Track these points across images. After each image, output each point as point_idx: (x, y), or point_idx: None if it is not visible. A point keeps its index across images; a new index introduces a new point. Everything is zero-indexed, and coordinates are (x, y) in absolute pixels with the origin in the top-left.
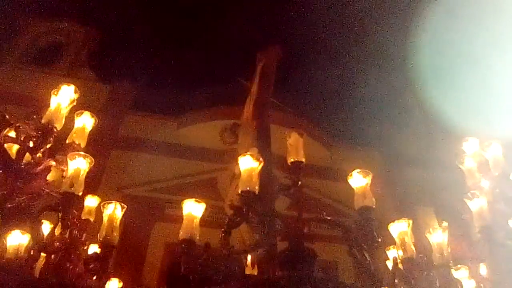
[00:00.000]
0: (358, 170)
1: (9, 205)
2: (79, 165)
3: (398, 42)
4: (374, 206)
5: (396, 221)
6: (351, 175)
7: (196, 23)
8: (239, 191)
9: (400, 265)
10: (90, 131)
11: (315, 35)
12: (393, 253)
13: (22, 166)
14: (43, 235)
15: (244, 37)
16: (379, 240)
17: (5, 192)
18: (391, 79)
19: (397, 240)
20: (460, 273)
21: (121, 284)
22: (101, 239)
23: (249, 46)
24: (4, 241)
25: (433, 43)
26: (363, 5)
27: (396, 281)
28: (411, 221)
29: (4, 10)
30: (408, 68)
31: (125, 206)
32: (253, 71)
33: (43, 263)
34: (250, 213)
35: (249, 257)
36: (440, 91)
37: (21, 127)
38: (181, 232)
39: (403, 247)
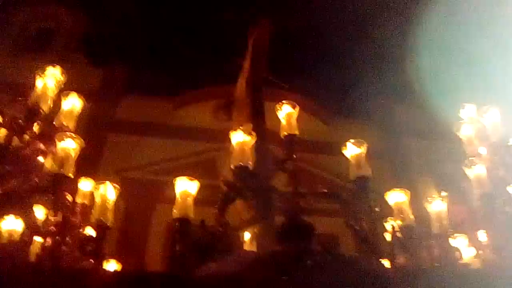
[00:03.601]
0: (352, 140)
1: None
2: (68, 145)
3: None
4: (370, 175)
5: (392, 190)
6: (345, 145)
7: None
8: (232, 167)
9: (398, 234)
10: (83, 115)
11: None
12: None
13: (10, 149)
14: (36, 219)
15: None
16: (377, 209)
17: None
18: (390, 45)
19: (394, 209)
20: (459, 241)
21: (119, 266)
22: (94, 221)
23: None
24: None
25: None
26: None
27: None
28: (409, 192)
29: None
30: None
31: (117, 186)
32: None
33: (38, 247)
34: (245, 188)
35: (246, 233)
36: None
37: (6, 110)
38: (175, 211)
39: (401, 216)
